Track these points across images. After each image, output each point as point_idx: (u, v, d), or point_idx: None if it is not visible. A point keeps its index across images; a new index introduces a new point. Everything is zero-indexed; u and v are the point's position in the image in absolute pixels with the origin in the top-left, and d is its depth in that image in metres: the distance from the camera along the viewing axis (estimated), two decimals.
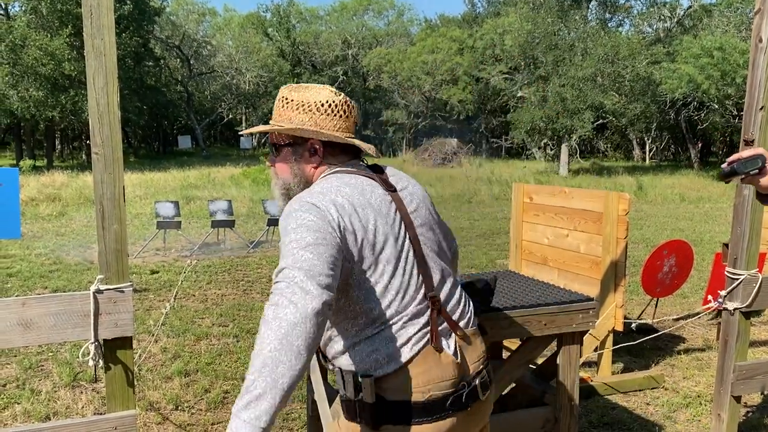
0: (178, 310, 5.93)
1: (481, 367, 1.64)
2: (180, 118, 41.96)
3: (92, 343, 2.19)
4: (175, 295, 6.41)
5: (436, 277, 1.59)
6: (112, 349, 2.23)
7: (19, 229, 5.81)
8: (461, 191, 17.94)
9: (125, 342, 2.24)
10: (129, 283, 2.23)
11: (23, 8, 27.41)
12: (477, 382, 1.60)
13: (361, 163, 1.70)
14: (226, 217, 9.37)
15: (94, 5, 2.09)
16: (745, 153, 1.63)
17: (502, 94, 33.94)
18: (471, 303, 1.73)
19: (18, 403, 3.79)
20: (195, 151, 39.08)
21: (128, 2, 27.97)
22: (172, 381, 4.15)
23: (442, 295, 1.59)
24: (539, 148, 33.62)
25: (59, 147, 37.03)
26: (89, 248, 9.27)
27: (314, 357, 2.84)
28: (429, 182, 19.64)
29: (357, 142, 1.64)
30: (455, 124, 41.68)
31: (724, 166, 1.66)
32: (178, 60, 39.81)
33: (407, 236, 1.56)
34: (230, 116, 46.95)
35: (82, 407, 3.74)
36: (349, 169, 1.61)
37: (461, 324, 1.61)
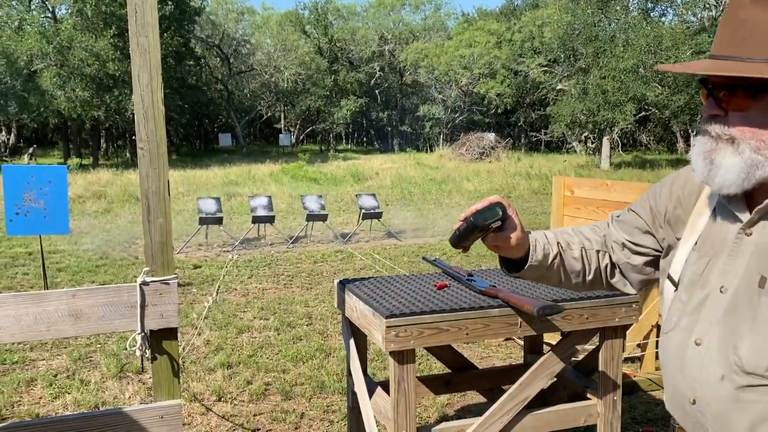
0: (220, 303, 6.04)
1: None
2: (220, 117, 42.60)
3: (139, 333, 2.25)
4: (218, 289, 6.52)
5: None
6: (158, 340, 2.28)
7: (68, 225, 5.97)
8: (499, 186, 17.79)
9: (171, 333, 2.29)
10: (174, 276, 2.28)
11: (69, 11, 28.18)
12: None
13: None
14: (266, 213, 9.48)
15: (139, 4, 2.13)
16: (477, 204, 1.24)
17: (541, 87, 33.51)
18: None
19: (69, 393, 3.91)
20: (235, 148, 39.64)
21: (170, 2, 28.48)
22: (215, 373, 4.23)
23: None
24: (580, 141, 33.10)
25: (104, 145, 37.99)
26: (134, 244, 9.50)
27: (353, 347, 2.87)
28: (467, 177, 19.53)
29: None
30: (493, 118, 41.33)
31: (456, 226, 1.25)
32: (218, 59, 40.41)
33: None
34: (269, 114, 47.46)
35: (129, 397, 3.85)
36: None
37: None
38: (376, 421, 2.55)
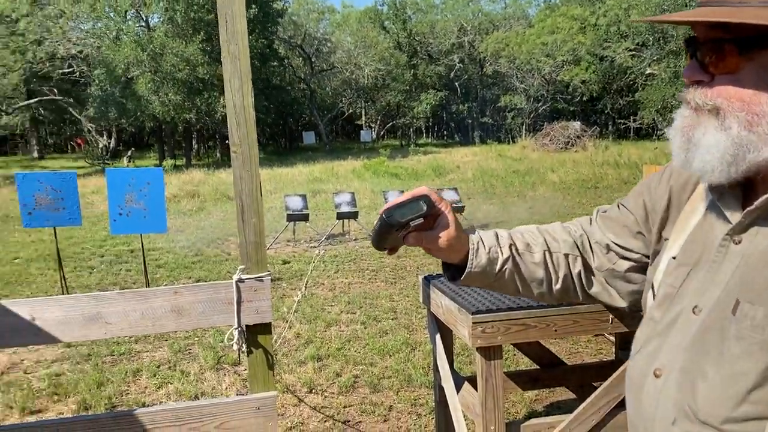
0: (309, 298, 6.21)
1: None
2: (304, 115, 43.58)
3: (236, 328, 2.36)
4: (306, 284, 6.71)
5: None
6: (254, 334, 2.39)
7: (165, 224, 6.28)
8: (586, 176, 17.27)
9: (265, 328, 2.39)
10: (267, 273, 2.38)
11: (161, 19, 29.60)
12: None
13: None
14: (350, 209, 9.64)
15: (229, 13, 2.23)
16: (399, 198, 1.03)
17: (629, 73, 32.20)
18: None
19: (171, 383, 4.15)
20: (319, 146, 40.46)
21: (254, 6, 29.37)
22: (306, 365, 4.37)
23: None
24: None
25: (196, 146, 39.72)
26: (226, 241, 9.90)
27: (439, 343, 2.89)
28: (551, 168, 19.08)
29: None
30: (578, 106, 40.10)
31: (379, 217, 1.04)
32: (301, 58, 41.31)
33: None
34: (350, 111, 48.14)
35: (226, 388, 4.03)
36: None
37: None
38: (464, 416, 2.56)
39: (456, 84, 43.46)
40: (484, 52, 40.45)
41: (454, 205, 9.84)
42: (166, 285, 7.09)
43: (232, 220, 12.41)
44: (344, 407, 3.69)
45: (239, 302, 2.35)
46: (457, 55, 42.83)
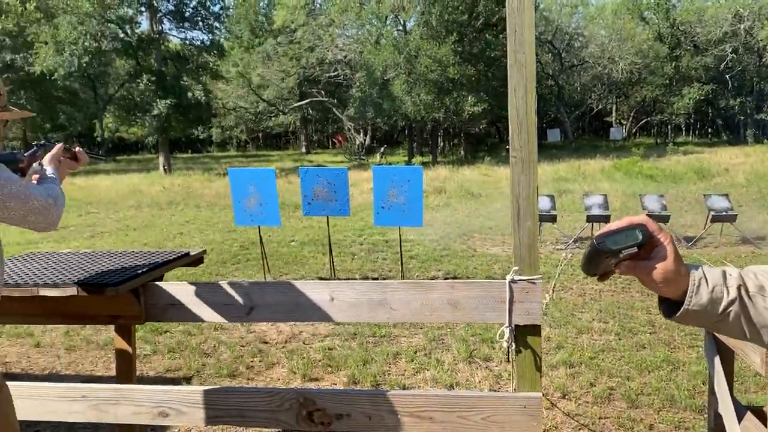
0: (557, 302, 6.12)
1: None
2: (549, 112, 42.67)
3: (507, 327, 2.45)
4: (554, 287, 6.61)
5: None
6: (523, 335, 2.45)
7: (422, 218, 6.64)
8: None
9: (535, 329, 2.45)
10: (539, 276, 2.42)
11: (417, 22, 31.19)
12: None
13: None
14: (602, 212, 9.24)
15: (518, 23, 2.31)
16: (614, 224, 0.99)
17: None
18: None
19: (427, 370, 4.42)
20: (563, 143, 39.28)
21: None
22: (558, 370, 4.33)
23: None
24: None
25: (441, 144, 41.18)
26: (471, 237, 10.15)
27: (718, 365, 2.66)
28: None
29: None
30: None
31: (590, 243, 1.00)
32: (550, 54, 40.44)
33: None
34: (599, 107, 45.87)
35: (479, 381, 4.17)
36: None
37: None
38: None
39: (726, 76, 38.94)
40: (765, 40, 35.60)
41: (723, 213, 8.89)
42: (417, 276, 7.52)
43: (477, 217, 12.69)
44: (599, 418, 3.59)
45: (511, 302, 2.43)
46: (730, 44, 38.31)
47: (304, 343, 5.12)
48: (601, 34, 41.26)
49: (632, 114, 45.04)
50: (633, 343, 4.89)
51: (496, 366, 4.47)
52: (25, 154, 2.31)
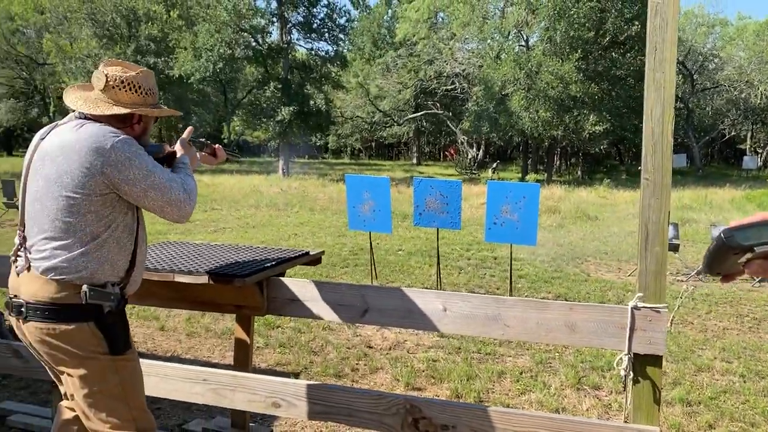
0: (675, 335, 5.78)
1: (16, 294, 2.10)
2: (677, 136, 40.46)
3: (626, 354, 2.35)
4: (672, 320, 6.25)
5: (29, 221, 2.11)
6: (643, 364, 2.35)
7: (536, 237, 6.51)
8: None
9: (656, 360, 2.34)
10: (665, 305, 2.31)
11: (540, 38, 30.67)
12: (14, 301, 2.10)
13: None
14: None
15: (659, 41, 2.23)
16: (745, 219, 0.89)
17: None
18: (49, 254, 2.05)
19: (532, 392, 4.32)
20: (689, 170, 37.10)
21: (636, 23, 28.35)
22: (673, 407, 4.09)
23: (28, 235, 2.11)
24: None
25: (557, 163, 40.13)
26: (585, 261, 9.81)
27: None
28: None
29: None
30: None
31: (717, 237, 0.87)
32: (680, 76, 38.39)
33: (24, 178, 2.15)
34: (732, 133, 42.95)
35: (587, 409, 4.03)
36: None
37: (26, 260, 2.09)
38: None
39: None
40: None
41: None
42: (527, 296, 7.36)
43: (592, 240, 12.24)
44: None
45: (632, 329, 2.34)
46: None
47: (408, 351, 5.16)
48: (739, 56, 38.66)
49: None
50: (760, 387, 4.53)
51: (606, 396, 4.29)
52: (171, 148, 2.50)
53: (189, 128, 2.57)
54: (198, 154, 2.79)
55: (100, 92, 2.17)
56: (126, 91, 2.16)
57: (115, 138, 2.05)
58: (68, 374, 2.14)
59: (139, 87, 2.18)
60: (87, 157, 2.01)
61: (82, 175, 2.02)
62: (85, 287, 2.05)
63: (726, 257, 0.95)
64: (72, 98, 2.18)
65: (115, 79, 2.15)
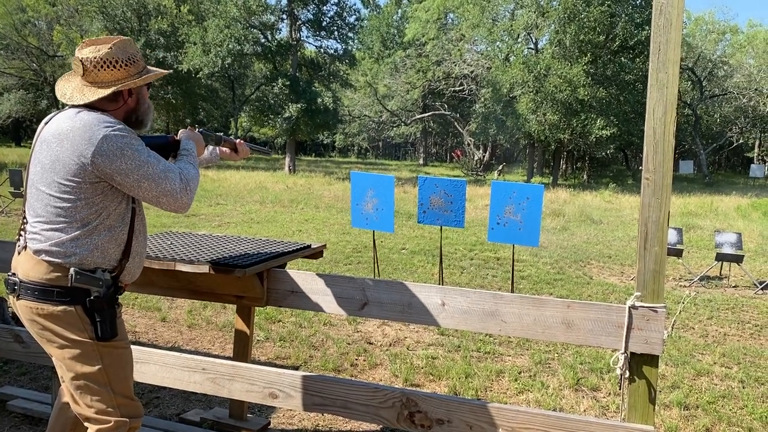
0: (676, 340, 5.78)
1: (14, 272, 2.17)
2: (683, 142, 40.34)
3: (622, 353, 2.36)
4: (673, 324, 6.25)
5: (27, 203, 2.16)
6: (639, 364, 2.36)
7: (538, 239, 6.50)
8: None
9: (652, 359, 2.34)
10: (663, 305, 2.32)
11: (549, 40, 30.62)
12: (11, 279, 2.16)
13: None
14: (734, 251, 8.62)
15: (663, 42, 2.24)
16: None
17: None
18: (42, 236, 2.09)
19: (530, 392, 4.32)
20: (696, 176, 36.99)
21: (647, 27, 28.26)
22: (671, 410, 4.09)
23: (28, 216, 2.16)
24: None
25: (563, 166, 40.05)
26: (588, 264, 9.80)
27: None
28: None
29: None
30: None
31: None
32: (689, 82, 38.30)
33: (29, 162, 2.19)
34: (740, 141, 42.79)
35: (584, 410, 4.03)
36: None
37: (24, 240, 2.15)
38: None
39: None
40: None
41: None
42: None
43: (596, 244, 12.21)
44: None
45: (629, 328, 2.35)
46: None
47: (408, 348, 5.17)
48: (749, 64, 38.49)
49: None
50: (759, 393, 4.52)
51: (604, 397, 4.30)
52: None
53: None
54: (218, 149, 2.79)
55: (82, 78, 2.16)
56: (105, 69, 2.13)
57: (108, 128, 2.04)
58: (55, 356, 2.17)
59: (117, 61, 2.14)
60: (79, 147, 2.03)
61: (73, 163, 2.03)
62: (72, 270, 2.07)
63: None
64: (60, 91, 2.18)
65: (91, 61, 2.12)
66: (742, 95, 37.48)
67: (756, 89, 36.59)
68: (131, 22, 33.76)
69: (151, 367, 2.98)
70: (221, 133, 2.68)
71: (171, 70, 2.63)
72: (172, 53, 33.70)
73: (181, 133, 2.44)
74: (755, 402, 4.34)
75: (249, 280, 2.75)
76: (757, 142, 43.79)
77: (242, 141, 2.74)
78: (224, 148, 2.74)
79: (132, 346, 2.37)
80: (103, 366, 2.16)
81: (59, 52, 37.39)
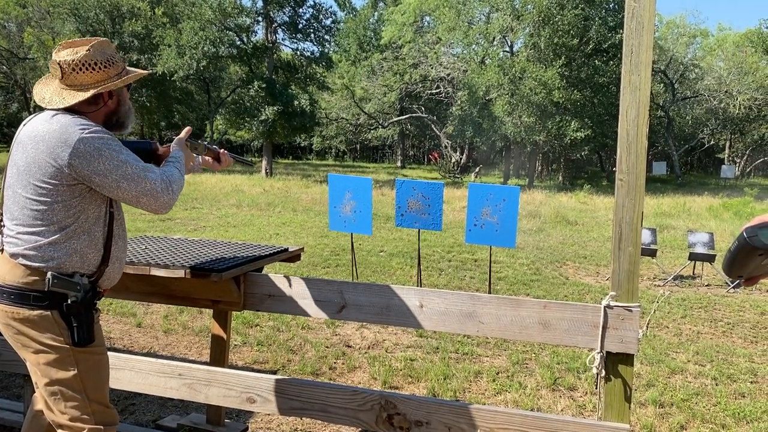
0: (650, 339, 5.86)
1: None
2: (656, 144, 40.96)
3: (598, 353, 2.39)
4: (648, 323, 6.33)
5: (4, 206, 2.13)
6: (615, 363, 2.38)
7: (515, 240, 6.54)
8: None
9: (627, 358, 2.37)
10: (637, 304, 2.35)
11: (524, 44, 30.91)
12: None
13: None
14: (706, 251, 8.77)
15: (635, 45, 2.27)
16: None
17: None
18: (19, 240, 2.07)
19: (508, 392, 4.35)
20: (669, 177, 37.59)
21: (621, 31, 28.67)
22: (646, 408, 4.15)
23: (5, 219, 2.13)
24: None
25: (539, 168, 40.39)
26: (564, 265, 9.89)
27: None
28: None
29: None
30: None
31: (739, 236, 0.78)
32: (662, 85, 38.92)
33: (6, 165, 2.16)
34: (711, 142, 43.58)
35: (561, 410, 4.06)
36: None
37: (1, 243, 2.12)
38: None
39: None
40: None
41: None
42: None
43: (572, 245, 12.34)
44: None
45: (605, 327, 2.37)
46: None
47: (386, 351, 5.17)
48: (719, 66, 39.25)
49: (747, 152, 42.45)
50: (731, 390, 4.60)
51: (581, 396, 4.34)
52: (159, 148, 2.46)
53: (187, 128, 2.53)
54: (200, 158, 2.75)
55: (60, 81, 2.12)
56: (84, 72, 2.10)
57: (83, 131, 2.02)
58: (30, 361, 2.13)
59: (96, 63, 2.11)
60: (55, 149, 2.00)
61: (49, 165, 2.01)
62: (49, 274, 2.04)
63: (748, 259, 0.86)
64: (39, 95, 2.14)
65: (69, 65, 2.09)
66: (712, 97, 38.18)
67: (726, 91, 37.31)
68: (104, 25, 33.31)
69: (127, 374, 2.94)
70: (206, 142, 2.66)
71: (151, 71, 2.61)
72: (146, 56, 33.32)
73: (174, 144, 2.43)
74: (728, 399, 4.41)
75: (225, 284, 2.73)
76: (727, 144, 44.62)
77: (225, 151, 2.71)
78: (206, 157, 2.71)
79: (107, 353, 2.34)
80: (79, 372, 2.13)
81: (30, 55, 36.74)
